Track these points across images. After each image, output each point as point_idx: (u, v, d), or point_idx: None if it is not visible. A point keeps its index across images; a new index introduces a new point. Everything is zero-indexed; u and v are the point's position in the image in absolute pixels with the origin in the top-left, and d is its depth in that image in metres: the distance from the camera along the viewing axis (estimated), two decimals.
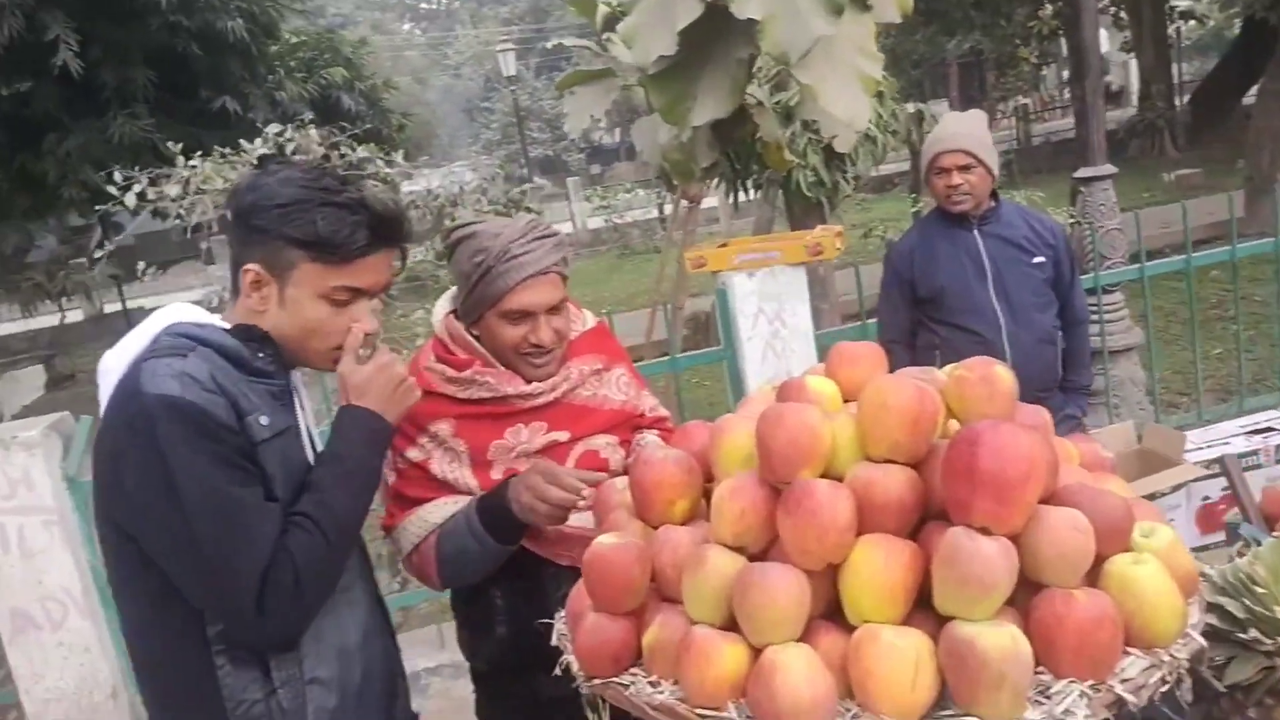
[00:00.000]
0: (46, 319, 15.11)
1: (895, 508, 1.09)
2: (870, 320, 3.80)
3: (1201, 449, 2.29)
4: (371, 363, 1.38)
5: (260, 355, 1.34)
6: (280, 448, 1.31)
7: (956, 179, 2.80)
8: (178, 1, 8.58)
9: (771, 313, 3.66)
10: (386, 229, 1.35)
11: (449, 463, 1.66)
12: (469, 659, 1.82)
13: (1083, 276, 3.32)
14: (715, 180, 5.20)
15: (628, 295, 11.52)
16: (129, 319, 13.70)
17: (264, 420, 1.29)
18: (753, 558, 1.15)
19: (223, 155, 4.02)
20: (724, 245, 3.87)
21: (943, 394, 1.17)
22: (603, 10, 4.35)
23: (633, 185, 21.77)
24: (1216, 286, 7.54)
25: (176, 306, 1.39)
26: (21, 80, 8.65)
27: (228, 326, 1.35)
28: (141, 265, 4.74)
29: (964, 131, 2.84)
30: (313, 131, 4.21)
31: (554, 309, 1.66)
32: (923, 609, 1.07)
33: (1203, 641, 1.06)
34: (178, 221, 4.27)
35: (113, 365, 1.32)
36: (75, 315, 15.25)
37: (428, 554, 1.63)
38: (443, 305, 1.77)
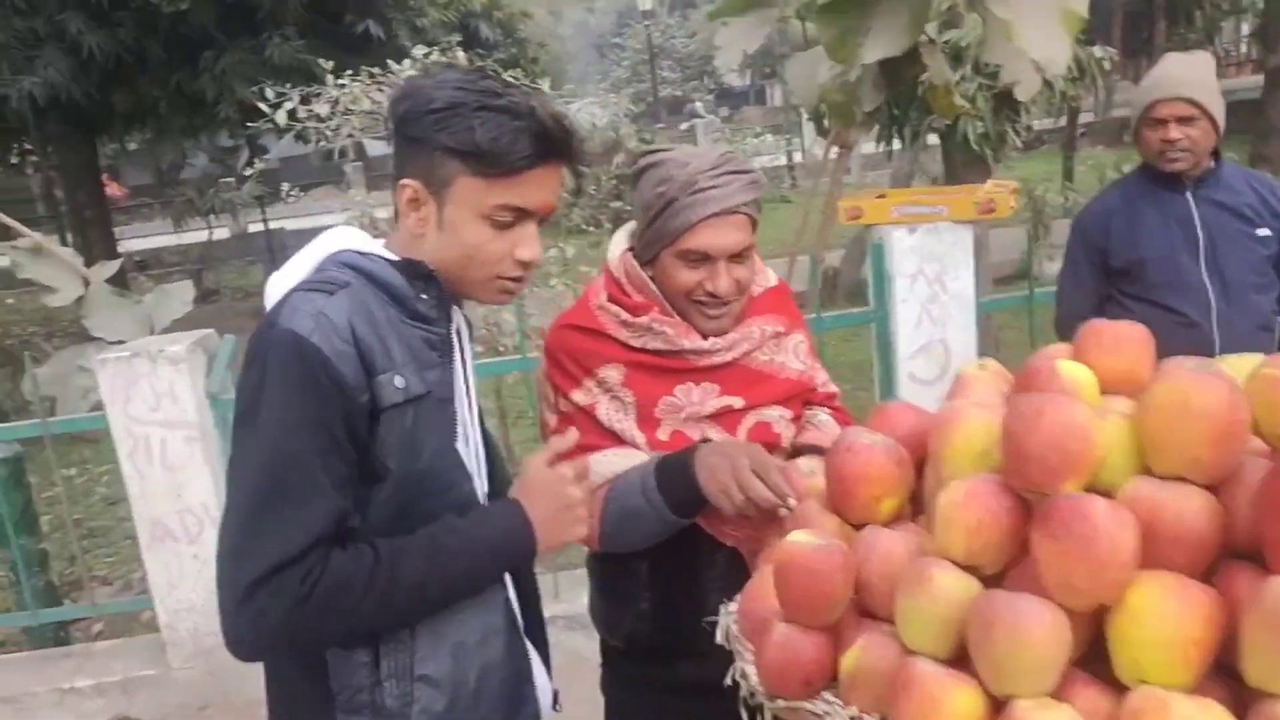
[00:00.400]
0: (194, 235, 15.85)
1: (1190, 541, 0.86)
2: (1038, 290, 3.46)
3: None
4: (552, 473, 1.23)
5: (424, 296, 1.20)
6: (414, 414, 1.14)
7: (1174, 133, 2.44)
8: None
9: (932, 274, 3.36)
10: (554, 140, 1.16)
11: (616, 412, 1.50)
12: (603, 632, 1.67)
13: None
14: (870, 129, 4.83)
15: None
16: (270, 239, 14.22)
17: (399, 382, 1.13)
18: (987, 580, 0.95)
19: (371, 76, 3.95)
20: (882, 196, 3.57)
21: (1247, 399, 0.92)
22: None
23: (762, 130, 21.15)
24: None
25: (342, 230, 1.25)
26: None
27: (393, 258, 1.20)
28: (285, 187, 4.73)
29: (1190, 77, 2.46)
30: (460, 55, 4.08)
31: (737, 256, 1.46)
32: (1217, 674, 0.85)
33: None
34: (321, 144, 4.24)
35: (275, 290, 1.20)
36: (221, 233, 15.91)
37: (594, 510, 1.45)
38: (620, 240, 1.58)
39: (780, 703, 1.02)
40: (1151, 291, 2.54)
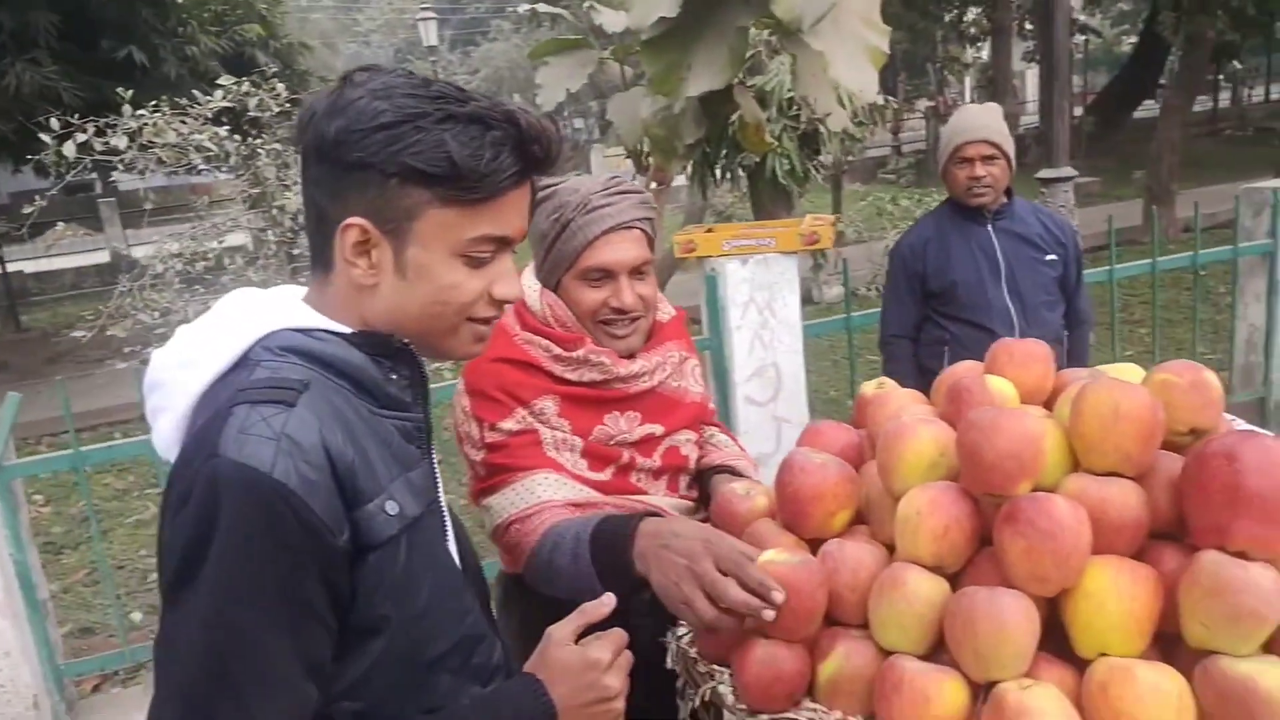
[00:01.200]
0: None
1: (1131, 528, 0.98)
2: (855, 313, 3.75)
3: None
4: (584, 655, 0.97)
5: (394, 376, 0.96)
6: (408, 542, 0.90)
7: (980, 170, 2.74)
8: None
9: (762, 302, 3.55)
10: (539, 150, 0.93)
11: (555, 447, 1.46)
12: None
13: None
14: (683, 167, 5.05)
15: None
16: (9, 282, 12.66)
17: (390, 509, 0.89)
18: (951, 579, 1.03)
19: (174, 106, 3.64)
20: (711, 230, 3.74)
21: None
22: None
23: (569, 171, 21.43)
24: (1121, 291, 7.92)
25: (242, 297, 0.97)
26: None
27: (345, 331, 0.94)
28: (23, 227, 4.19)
29: (990, 123, 2.78)
30: (280, 87, 3.85)
31: (637, 271, 1.48)
32: (1155, 641, 0.97)
33: None
34: (54, 188, 3.82)
35: (169, 378, 0.92)
36: None
37: (529, 537, 1.37)
38: (531, 277, 1.56)
39: (764, 717, 1.05)
40: (963, 311, 2.84)
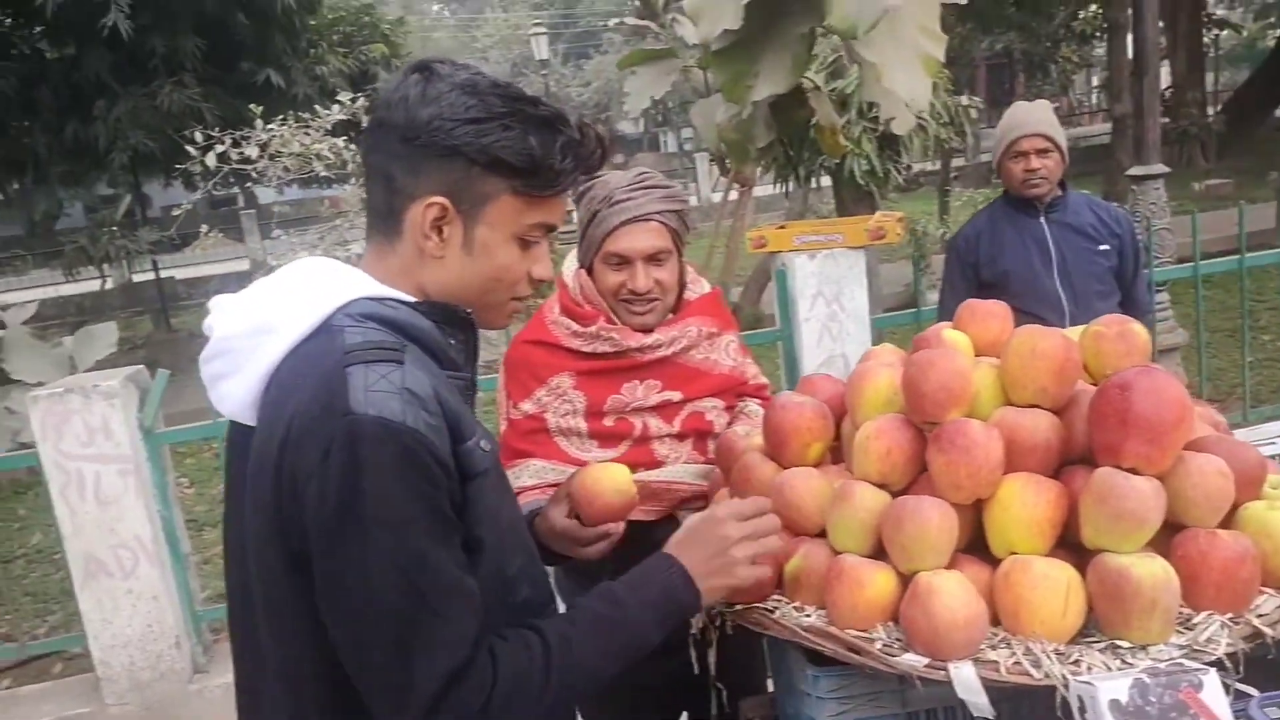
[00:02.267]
0: (69, 287, 15.20)
1: (1041, 449, 1.15)
2: (924, 308, 3.86)
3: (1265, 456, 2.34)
4: (706, 516, 1.14)
5: (452, 342, 1.09)
6: (492, 475, 1.06)
7: (1035, 163, 2.85)
8: None
9: (830, 295, 3.71)
10: (594, 154, 1.08)
11: (563, 414, 1.71)
12: None
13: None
14: (767, 168, 5.24)
15: None
16: (161, 288, 13.83)
17: (485, 445, 1.03)
18: (895, 494, 1.22)
19: (298, 120, 4.10)
20: (782, 227, 3.93)
21: (1080, 349, 1.23)
22: None
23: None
24: (1250, 297, 7.60)
25: (316, 265, 1.09)
26: (70, 43, 8.75)
27: (413, 301, 1.06)
28: (198, 231, 4.71)
29: (1041, 117, 2.89)
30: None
31: (654, 257, 1.67)
32: (1062, 545, 1.14)
33: None
34: (200, 195, 4.28)
35: (240, 345, 1.03)
36: (92, 284, 15.28)
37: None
38: (570, 259, 1.81)
39: (738, 607, 1.26)
40: (1015, 300, 2.90)
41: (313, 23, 11.37)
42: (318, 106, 4.14)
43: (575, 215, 1.76)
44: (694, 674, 1.47)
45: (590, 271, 1.74)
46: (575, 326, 1.71)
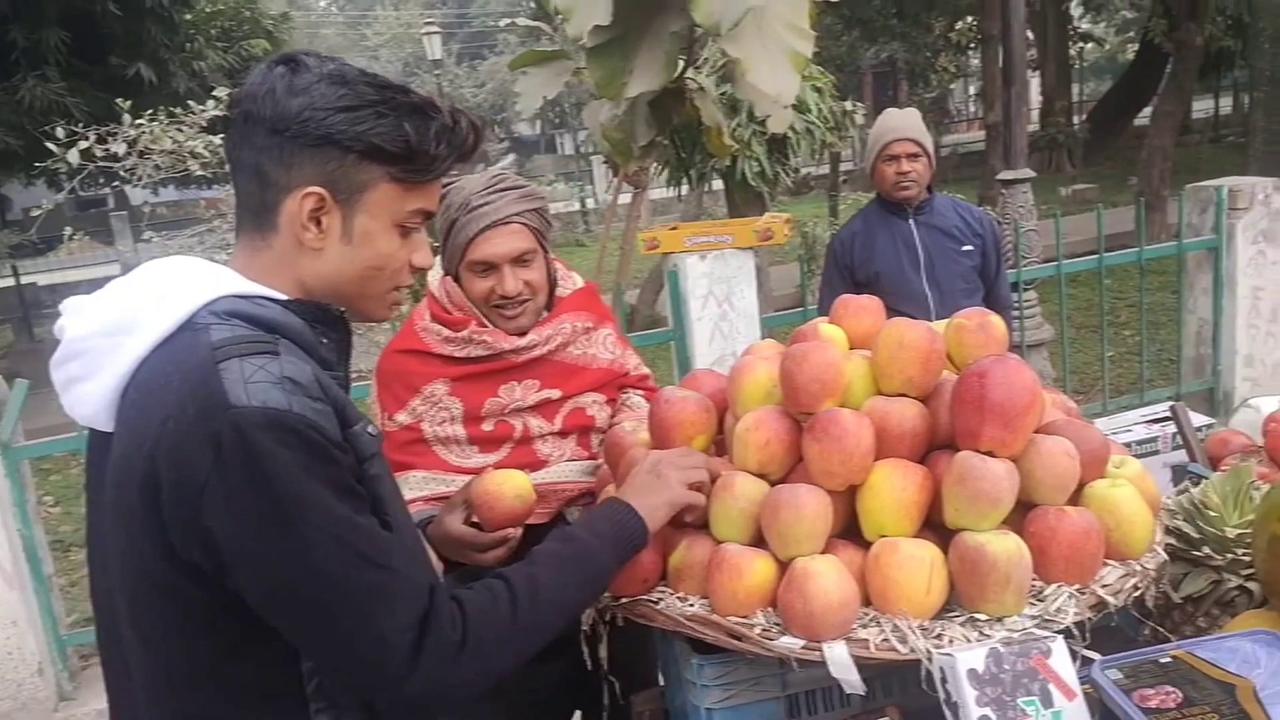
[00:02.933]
0: None
1: (909, 436, 1.21)
2: (810, 307, 3.98)
3: (1108, 435, 2.52)
4: (648, 459, 1.26)
5: (324, 340, 1.06)
6: (380, 459, 1.05)
7: (906, 165, 2.98)
8: None
9: (721, 295, 3.79)
10: (468, 141, 1.08)
11: (440, 422, 1.68)
12: None
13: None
14: (659, 169, 5.30)
15: None
16: (22, 294, 13.00)
17: (371, 430, 1.03)
18: (774, 484, 1.26)
19: (170, 115, 3.91)
20: (674, 228, 3.98)
21: (944, 340, 1.30)
22: None
23: (554, 177, 21.77)
24: (1111, 295, 8.13)
25: (179, 264, 1.05)
26: None
27: (283, 298, 1.04)
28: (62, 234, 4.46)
29: (911, 124, 3.03)
30: None
31: (520, 260, 1.64)
32: (929, 527, 1.20)
33: (1166, 556, 1.22)
34: (70, 195, 4.06)
35: (94, 345, 1.00)
36: None
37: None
38: (437, 265, 1.77)
39: (624, 599, 1.28)
40: (886, 299, 3.03)
41: (189, 16, 10.89)
42: (192, 101, 3.96)
43: (435, 222, 1.74)
44: (585, 672, 1.48)
45: (456, 279, 1.71)
46: (447, 332, 1.69)
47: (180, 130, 3.77)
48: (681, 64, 3.61)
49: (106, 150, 3.65)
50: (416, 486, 1.65)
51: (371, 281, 1.08)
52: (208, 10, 11.68)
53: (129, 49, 9.54)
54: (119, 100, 3.75)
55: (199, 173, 3.76)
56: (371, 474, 1.00)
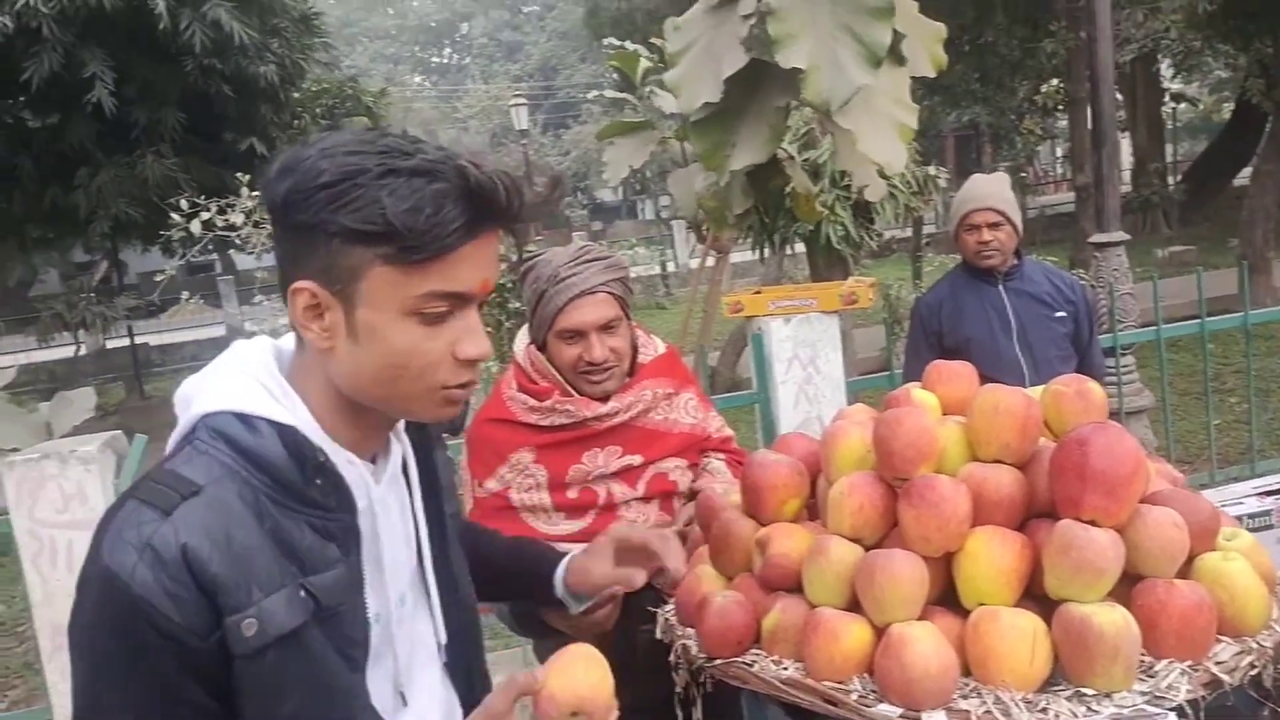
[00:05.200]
0: (42, 353, 15.07)
1: (1006, 503, 1.20)
2: (896, 370, 3.94)
3: (1218, 506, 2.41)
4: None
5: (318, 482, 0.92)
6: (277, 658, 0.86)
7: (987, 235, 2.96)
8: (213, 46, 8.85)
9: (806, 359, 3.79)
10: (490, 201, 0.88)
11: (526, 490, 1.74)
12: None
13: (1101, 336, 3.50)
14: (743, 234, 5.38)
15: None
16: (136, 354, 13.75)
17: (248, 629, 0.84)
18: (868, 548, 1.26)
19: None
20: (758, 292, 4.02)
21: (1040, 407, 1.29)
22: (644, 64, 4.56)
23: (635, 242, 22.14)
24: (1215, 361, 7.80)
25: (235, 352, 0.98)
26: (54, 114, 8.85)
27: (286, 422, 0.91)
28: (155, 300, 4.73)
29: (994, 191, 3.02)
30: None
31: (607, 327, 1.70)
32: (1029, 597, 1.18)
33: None
34: (182, 262, 4.31)
35: (189, 406, 0.95)
36: (66, 350, 15.18)
37: None
38: (522, 335, 1.86)
39: (718, 661, 1.28)
40: (978, 366, 3.01)
41: (296, 95, 11.58)
42: None
43: (524, 293, 1.81)
44: None
45: (544, 348, 1.78)
46: (532, 401, 1.75)
47: None
48: None
49: (226, 220, 3.91)
50: None
51: (398, 382, 0.91)
52: (313, 90, 12.41)
53: (241, 126, 10.19)
54: (238, 175, 4.02)
55: None
56: (243, 672, 0.85)
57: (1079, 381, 1.30)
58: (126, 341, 13.72)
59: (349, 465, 0.94)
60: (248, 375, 0.94)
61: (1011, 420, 1.22)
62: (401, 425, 1.03)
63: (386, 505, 1.00)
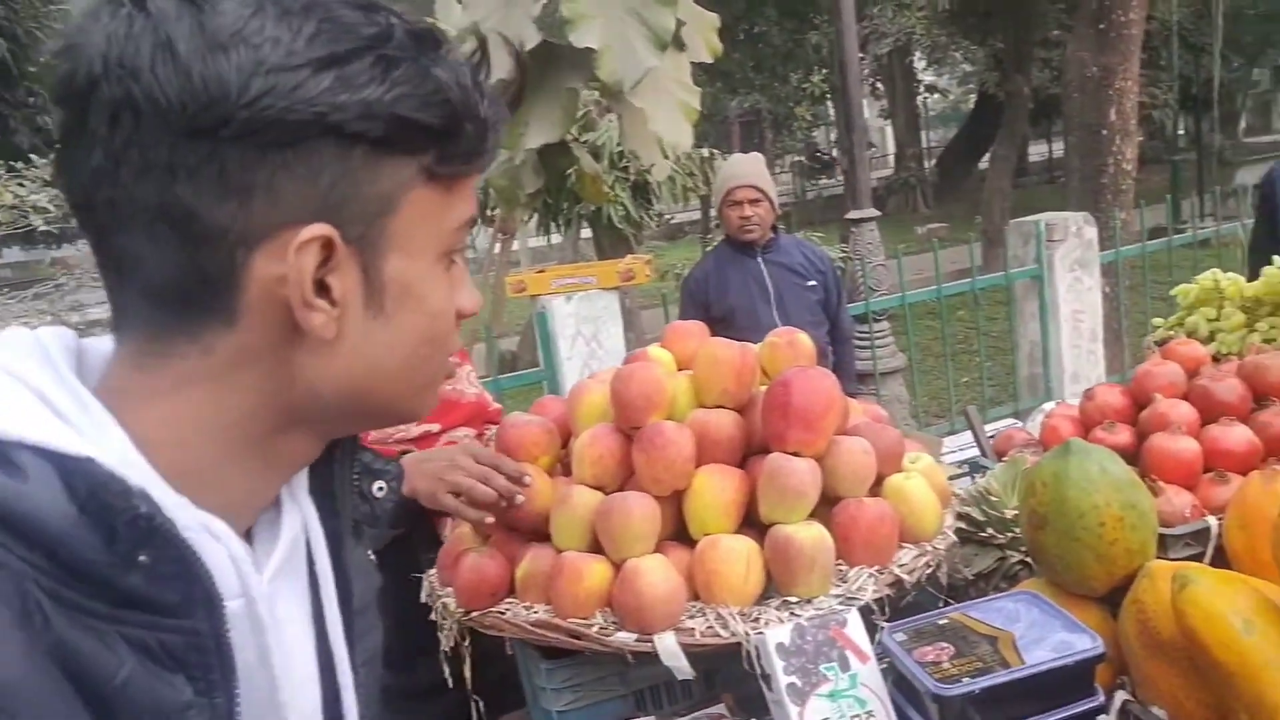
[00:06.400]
0: None
1: (726, 443, 1.34)
2: None
3: (955, 451, 2.78)
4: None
5: (142, 560, 0.52)
6: None
7: (748, 210, 3.21)
8: None
9: (589, 334, 3.91)
10: (500, 102, 0.63)
11: None
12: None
13: (855, 304, 3.88)
14: (528, 218, 5.44)
15: None
16: None
17: None
18: (609, 494, 1.36)
19: (9, 168, 3.78)
20: (541, 271, 4.10)
21: (759, 357, 1.44)
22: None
23: None
24: (961, 325, 8.70)
25: (41, 334, 0.59)
26: None
27: (81, 453, 0.52)
28: None
29: (753, 170, 3.28)
30: None
31: None
32: (750, 525, 1.32)
33: (955, 538, 1.38)
34: None
35: None
36: None
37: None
38: None
39: (475, 612, 1.34)
40: (740, 333, 3.21)
41: (32, 70, 10.44)
42: (34, 155, 3.84)
43: None
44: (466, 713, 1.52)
45: None
46: None
47: (21, 184, 3.65)
48: None
49: None
50: None
51: (430, 362, 0.63)
52: (53, 62, 11.22)
53: None
54: None
55: (44, 228, 3.65)
56: None
57: (790, 333, 1.46)
58: None
59: (203, 534, 0.56)
60: (3, 375, 0.55)
61: (729, 369, 1.36)
62: (303, 483, 0.66)
63: (278, 607, 0.61)
